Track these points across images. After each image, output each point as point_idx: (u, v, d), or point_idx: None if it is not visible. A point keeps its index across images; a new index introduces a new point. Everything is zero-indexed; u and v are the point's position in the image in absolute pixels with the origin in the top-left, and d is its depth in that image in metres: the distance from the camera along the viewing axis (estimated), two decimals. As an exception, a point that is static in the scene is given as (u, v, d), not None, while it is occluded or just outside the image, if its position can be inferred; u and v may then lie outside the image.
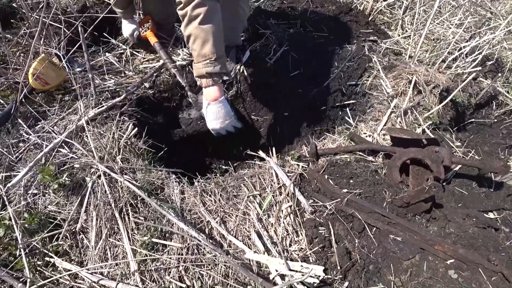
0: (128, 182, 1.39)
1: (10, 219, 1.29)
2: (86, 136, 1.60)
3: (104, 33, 2.32)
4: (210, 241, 1.40)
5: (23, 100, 1.70)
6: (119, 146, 1.61)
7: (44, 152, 1.49)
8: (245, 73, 2.24)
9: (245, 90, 2.18)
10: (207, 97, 1.61)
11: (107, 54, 2.19)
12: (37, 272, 1.25)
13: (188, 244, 1.36)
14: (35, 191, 1.43)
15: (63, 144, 1.57)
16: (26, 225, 1.30)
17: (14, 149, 1.55)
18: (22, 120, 1.66)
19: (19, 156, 1.54)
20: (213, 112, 1.61)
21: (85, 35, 2.00)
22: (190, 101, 2.10)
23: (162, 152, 1.75)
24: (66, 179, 1.42)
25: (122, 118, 1.76)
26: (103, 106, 1.76)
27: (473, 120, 2.49)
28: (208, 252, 1.35)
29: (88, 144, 1.58)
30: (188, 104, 2.17)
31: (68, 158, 1.53)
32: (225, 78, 1.63)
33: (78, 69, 2.00)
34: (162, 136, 1.91)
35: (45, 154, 1.50)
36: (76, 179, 1.48)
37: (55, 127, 1.66)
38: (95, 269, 1.28)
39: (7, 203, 1.34)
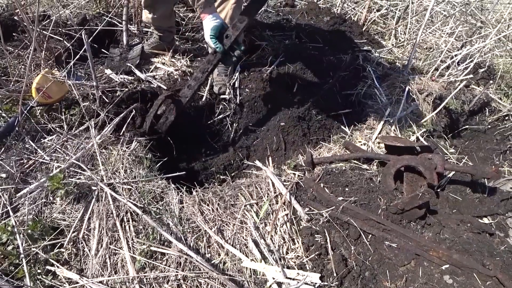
0: (128, 202, 1.42)
1: (13, 226, 1.31)
2: (95, 156, 1.62)
3: (104, 45, 2.37)
4: (206, 254, 1.41)
5: (27, 114, 1.71)
6: (123, 161, 1.64)
7: (54, 173, 1.51)
8: (242, 84, 2.28)
9: (242, 100, 2.23)
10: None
11: (105, 70, 2.21)
12: (38, 281, 1.26)
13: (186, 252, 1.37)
14: (43, 200, 1.46)
15: (73, 164, 1.59)
16: (30, 231, 1.32)
17: (21, 164, 1.56)
18: (26, 135, 1.66)
19: (26, 172, 1.56)
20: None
21: (84, 47, 2.06)
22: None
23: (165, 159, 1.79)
24: (73, 189, 1.46)
25: (130, 136, 1.80)
26: (110, 125, 1.78)
27: (467, 126, 2.53)
28: (206, 260, 1.36)
29: (96, 165, 1.61)
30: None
31: (75, 177, 1.55)
32: None
33: (78, 82, 2.03)
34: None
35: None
36: (82, 188, 1.51)
37: (63, 147, 1.67)
38: (94, 277, 1.30)
39: (10, 212, 1.36)
